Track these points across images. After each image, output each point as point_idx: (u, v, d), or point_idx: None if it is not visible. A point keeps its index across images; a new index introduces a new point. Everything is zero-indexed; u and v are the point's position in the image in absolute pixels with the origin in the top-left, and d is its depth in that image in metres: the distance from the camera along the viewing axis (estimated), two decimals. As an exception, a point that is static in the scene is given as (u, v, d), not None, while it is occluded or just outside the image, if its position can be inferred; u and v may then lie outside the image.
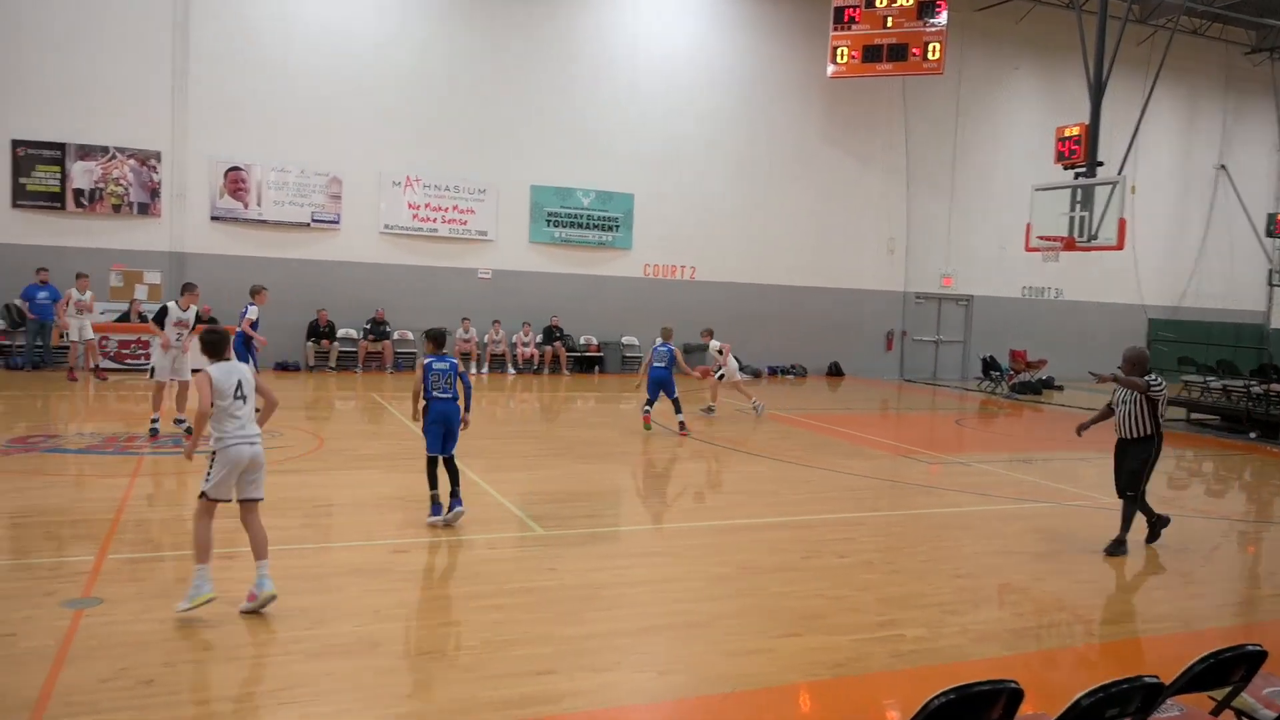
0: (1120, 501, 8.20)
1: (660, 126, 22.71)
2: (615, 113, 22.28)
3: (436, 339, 8.19)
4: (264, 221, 19.60)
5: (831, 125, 24.67)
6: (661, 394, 13.68)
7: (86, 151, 18.37)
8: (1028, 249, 18.59)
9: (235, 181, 19.37)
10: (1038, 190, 18.39)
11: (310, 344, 19.62)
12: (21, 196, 18.05)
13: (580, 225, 22.23)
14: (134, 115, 18.57)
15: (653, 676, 5.18)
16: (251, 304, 13.20)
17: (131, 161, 18.66)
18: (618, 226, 22.58)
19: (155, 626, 5.43)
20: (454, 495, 7.98)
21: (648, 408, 13.77)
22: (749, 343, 23.94)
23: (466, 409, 8.14)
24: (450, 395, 8.00)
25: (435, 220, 20.93)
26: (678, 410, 13.73)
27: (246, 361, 14.07)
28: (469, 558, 7.19)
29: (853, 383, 24.12)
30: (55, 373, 17.24)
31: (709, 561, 7.32)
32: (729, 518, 8.97)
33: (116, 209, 18.63)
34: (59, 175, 18.24)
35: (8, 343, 17.65)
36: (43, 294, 17.27)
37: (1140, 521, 8.32)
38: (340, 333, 19.95)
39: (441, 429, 7.94)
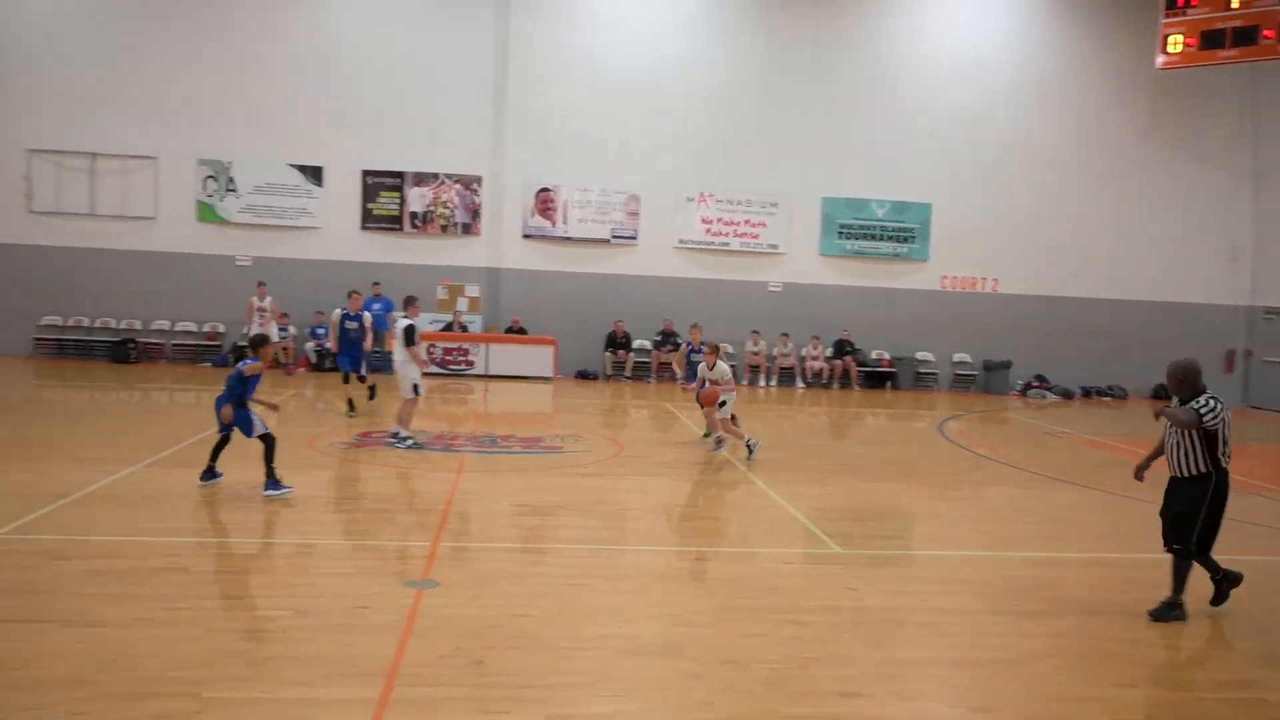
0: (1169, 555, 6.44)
1: (961, 131, 21.64)
2: (912, 119, 21.52)
3: (252, 345, 9.01)
4: (569, 238, 20.89)
5: (1157, 122, 22.30)
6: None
7: (420, 178, 20.52)
8: None
9: (544, 201, 20.81)
10: None
11: (608, 354, 20.61)
12: (368, 220, 20.50)
13: (874, 237, 21.68)
14: (460, 144, 20.51)
15: (965, 713, 4.87)
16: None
17: (457, 186, 20.62)
18: (914, 237, 21.77)
19: (482, 611, 5.88)
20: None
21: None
22: (1060, 361, 22.14)
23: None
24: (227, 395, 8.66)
25: (727, 234, 21.28)
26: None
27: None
28: (765, 570, 7.17)
29: (1181, 407, 21.56)
30: (389, 376, 19.31)
31: (1019, 595, 6.79)
32: (1041, 549, 8.30)
33: (444, 229, 20.65)
34: (398, 200, 20.53)
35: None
36: (376, 305, 19.35)
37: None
38: (635, 343, 20.80)
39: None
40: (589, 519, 8.63)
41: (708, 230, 21.25)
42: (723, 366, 11.77)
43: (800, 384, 20.99)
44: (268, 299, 18.66)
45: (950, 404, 19.45)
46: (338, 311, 13.78)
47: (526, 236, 20.87)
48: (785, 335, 21.09)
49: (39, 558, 6.51)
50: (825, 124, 21.36)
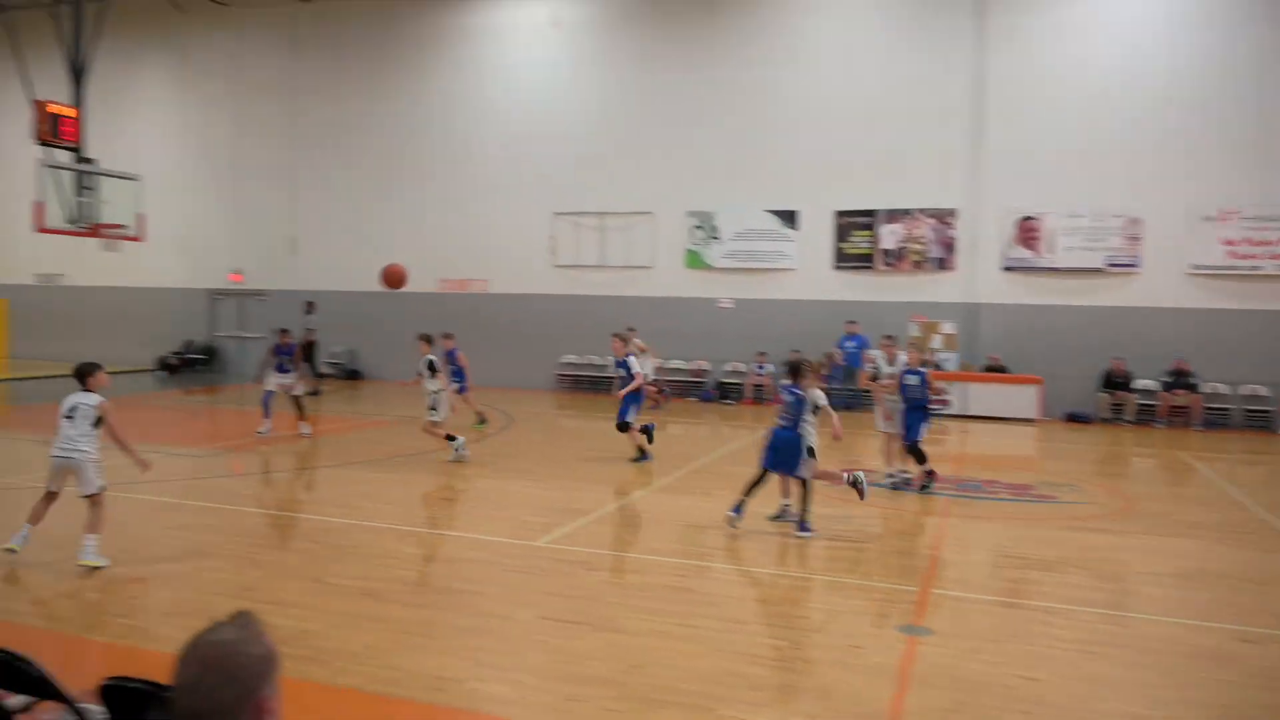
0: None
1: None
2: None
3: (792, 369, 8.85)
4: (1054, 269, 19.30)
5: None
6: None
7: (893, 215, 20.39)
8: None
9: (1027, 230, 19.48)
10: None
11: (1104, 395, 18.54)
12: (840, 259, 20.82)
13: None
14: (933, 178, 20.02)
15: None
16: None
17: (931, 220, 20.13)
18: None
19: (986, 668, 5.49)
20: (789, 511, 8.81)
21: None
22: None
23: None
24: (788, 424, 8.53)
25: (1257, 256, 18.11)
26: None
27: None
28: (1343, 664, 5.80)
29: None
30: (861, 414, 19.30)
31: None
32: None
33: (917, 265, 20.26)
34: (870, 238, 20.58)
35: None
36: (851, 343, 19.57)
37: None
38: (1138, 383, 18.47)
39: (772, 452, 8.63)
40: (1095, 579, 7.72)
41: (1230, 253, 18.27)
42: (816, 393, 8.79)
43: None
44: (635, 340, 19.52)
45: None
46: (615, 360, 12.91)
47: (1006, 269, 19.67)
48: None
49: (572, 566, 7.42)
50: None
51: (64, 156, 18.32)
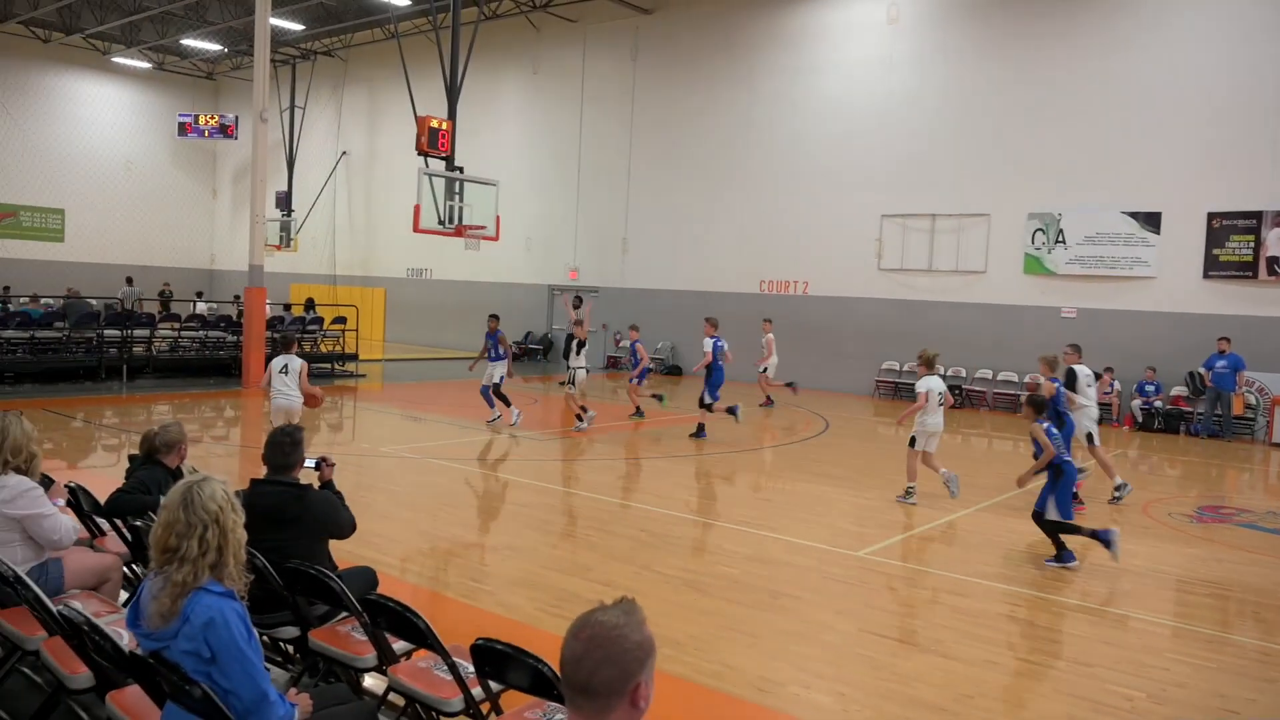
0: None
1: None
2: None
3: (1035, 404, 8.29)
4: None
5: None
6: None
7: (1283, 217, 17.64)
8: None
9: None
10: None
11: None
12: (1213, 267, 18.33)
13: None
14: (1339, 173, 17.07)
15: None
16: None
17: (1337, 223, 17.17)
18: None
19: None
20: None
21: None
22: None
23: None
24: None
25: None
26: None
27: None
28: None
29: None
30: (1232, 444, 16.94)
31: None
32: None
33: (1312, 276, 17.39)
34: (1252, 244, 17.94)
35: (1189, 409, 18.10)
36: (1221, 363, 17.18)
37: None
38: None
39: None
40: None
41: None
42: (927, 381, 9.90)
43: None
44: (769, 334, 19.38)
45: None
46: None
47: None
48: None
49: (895, 581, 7.15)
50: None
51: (438, 165, 20.65)
